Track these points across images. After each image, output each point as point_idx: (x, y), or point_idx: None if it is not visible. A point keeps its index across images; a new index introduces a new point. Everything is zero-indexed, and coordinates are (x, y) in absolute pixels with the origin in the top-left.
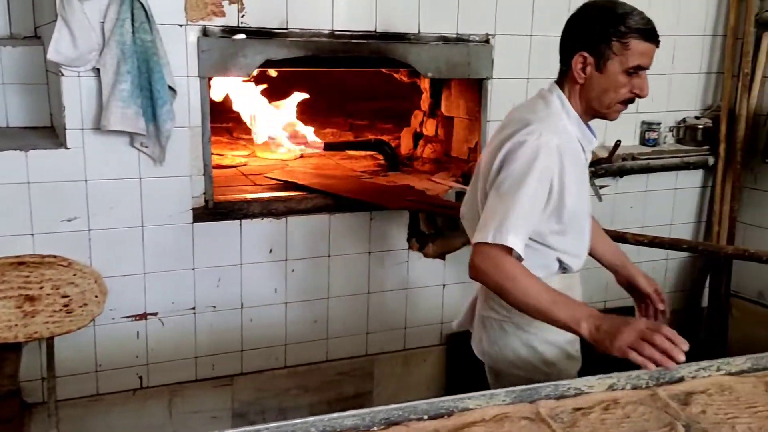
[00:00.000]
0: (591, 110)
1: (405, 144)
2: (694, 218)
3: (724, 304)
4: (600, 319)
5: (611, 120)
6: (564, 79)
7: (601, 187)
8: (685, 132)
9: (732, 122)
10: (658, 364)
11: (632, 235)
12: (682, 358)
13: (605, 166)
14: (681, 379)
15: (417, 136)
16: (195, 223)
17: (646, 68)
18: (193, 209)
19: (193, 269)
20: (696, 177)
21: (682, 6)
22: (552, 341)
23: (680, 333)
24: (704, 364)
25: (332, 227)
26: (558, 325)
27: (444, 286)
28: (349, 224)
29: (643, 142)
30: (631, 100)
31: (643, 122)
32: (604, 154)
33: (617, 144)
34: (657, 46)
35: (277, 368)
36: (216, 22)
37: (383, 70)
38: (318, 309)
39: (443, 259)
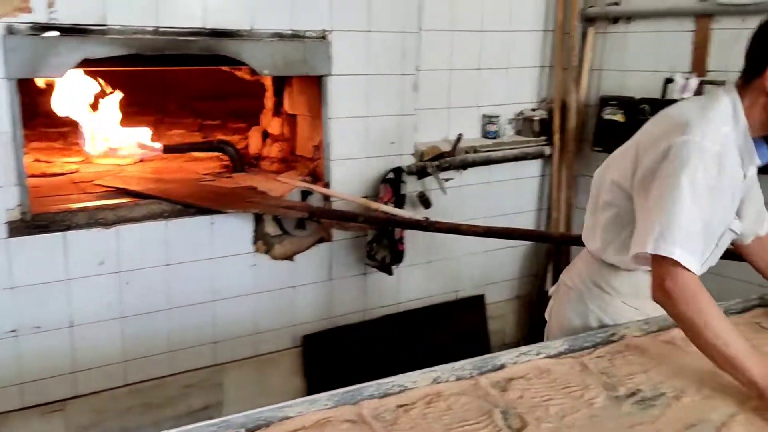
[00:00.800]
0: (761, 130)
1: (254, 144)
2: (535, 206)
3: None
4: None
5: None
6: (748, 86)
7: (446, 180)
8: (523, 124)
9: (564, 113)
10: None
11: (468, 227)
12: None
13: (449, 160)
14: (502, 366)
15: (266, 135)
16: (10, 238)
17: None
18: (8, 223)
19: (12, 288)
20: (535, 167)
21: (513, 3)
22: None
23: (528, 317)
24: (524, 349)
25: (170, 234)
26: (742, 378)
27: (294, 287)
28: (189, 230)
29: (485, 134)
30: None
31: (484, 115)
32: (448, 148)
33: (459, 137)
34: None
35: (117, 387)
36: (22, 19)
37: (224, 68)
38: (159, 321)
39: (292, 260)
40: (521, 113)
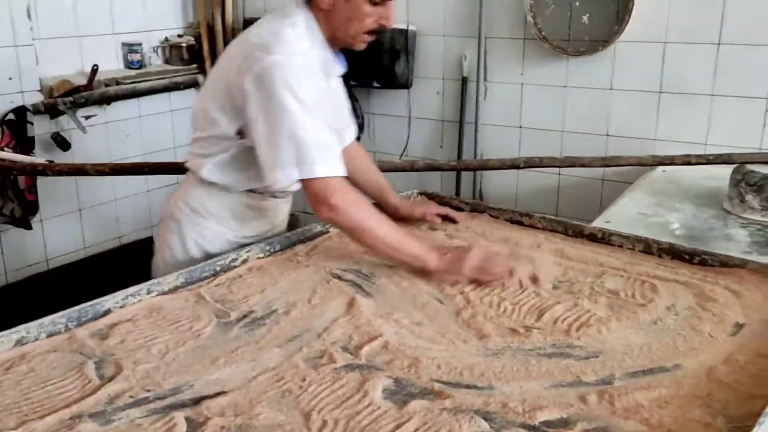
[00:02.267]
0: (336, 39)
1: None
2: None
3: None
4: (441, 251)
5: (358, 50)
6: (311, 3)
7: (87, 117)
8: (171, 51)
9: (213, 38)
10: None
11: (92, 166)
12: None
13: (85, 95)
14: (108, 312)
15: None
16: None
17: None
18: None
19: None
20: (189, 97)
21: None
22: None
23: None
24: (133, 289)
25: None
26: (409, 259)
27: None
28: None
29: (128, 65)
30: (376, 31)
31: (124, 44)
32: (83, 82)
33: (95, 69)
34: None
35: None
36: None
37: None
38: None
39: None
40: (166, 40)
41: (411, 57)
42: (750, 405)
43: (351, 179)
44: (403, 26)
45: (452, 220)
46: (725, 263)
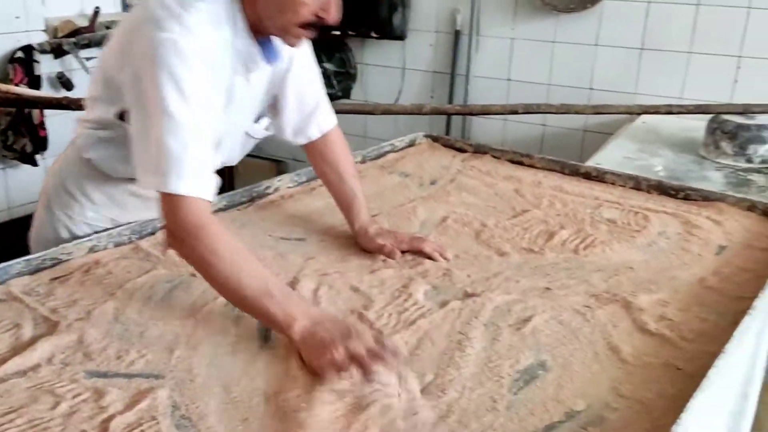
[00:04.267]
0: (264, 28)
1: None
2: None
3: None
4: (315, 323)
5: (291, 47)
6: None
7: (89, 59)
8: None
9: None
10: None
11: None
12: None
13: (87, 36)
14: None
15: None
16: None
17: None
18: None
19: None
20: None
21: None
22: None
23: None
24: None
25: None
26: (264, 320)
27: None
28: None
29: (125, 8)
30: (314, 25)
31: None
32: (85, 23)
33: (96, 11)
34: None
35: None
36: None
37: None
38: None
39: None
40: None
41: (408, 9)
42: (737, 305)
43: (320, 177)
44: None
45: (430, 258)
46: (707, 198)
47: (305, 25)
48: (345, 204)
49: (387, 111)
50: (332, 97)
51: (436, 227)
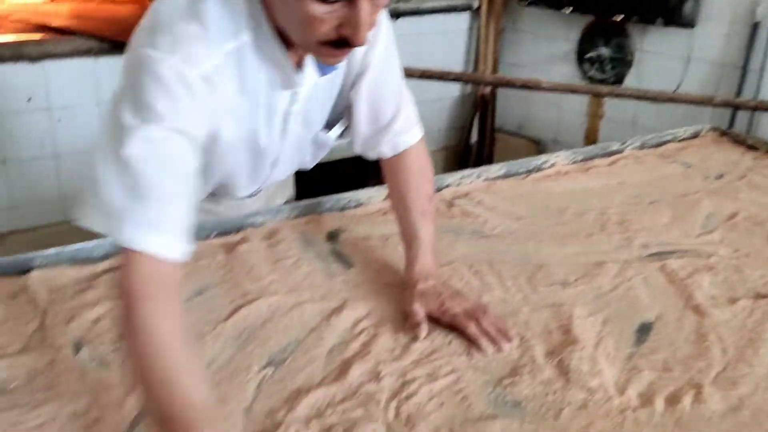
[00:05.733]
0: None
1: None
2: (463, 59)
3: (489, 137)
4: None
5: (330, 65)
6: None
7: None
8: None
9: None
10: None
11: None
12: None
13: None
14: (447, 186)
15: None
16: None
17: None
18: None
19: None
20: (463, 19)
21: None
22: None
23: (458, 167)
24: (467, 172)
25: (99, 72)
26: (159, 421)
27: None
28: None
29: None
30: (341, 43)
31: None
32: None
33: None
34: None
35: (53, 224)
36: None
37: None
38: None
39: None
40: None
41: None
42: None
43: (390, 200)
44: None
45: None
46: None
47: (330, 43)
48: (405, 242)
49: (671, 99)
50: (603, 83)
51: (724, 223)
